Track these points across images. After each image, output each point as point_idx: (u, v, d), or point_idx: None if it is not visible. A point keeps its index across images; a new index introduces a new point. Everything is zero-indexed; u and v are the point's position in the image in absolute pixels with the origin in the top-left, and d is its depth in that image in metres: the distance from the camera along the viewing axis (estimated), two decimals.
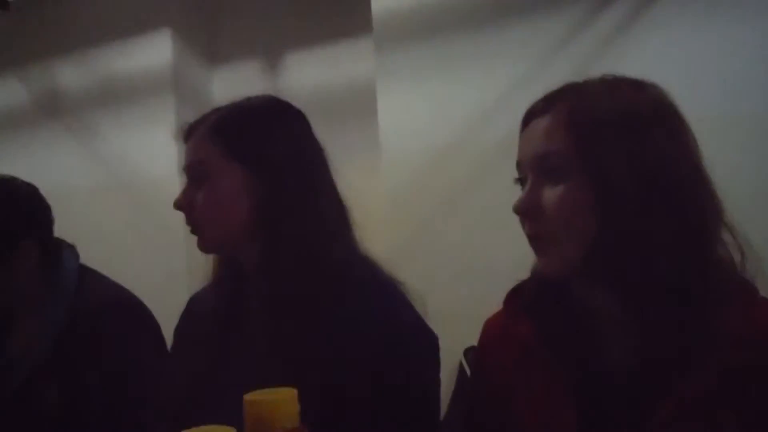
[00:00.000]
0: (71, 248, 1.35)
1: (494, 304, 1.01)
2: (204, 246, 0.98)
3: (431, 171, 2.57)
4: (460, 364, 2.40)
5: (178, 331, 1.10)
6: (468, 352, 2.43)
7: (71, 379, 1.18)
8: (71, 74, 3.69)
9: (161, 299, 1.38)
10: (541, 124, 0.77)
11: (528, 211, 0.76)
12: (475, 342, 2.47)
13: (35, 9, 3.79)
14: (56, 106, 3.76)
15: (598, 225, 0.72)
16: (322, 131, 1.03)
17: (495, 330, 0.90)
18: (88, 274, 1.32)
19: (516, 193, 0.86)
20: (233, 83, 3.39)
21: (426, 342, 0.92)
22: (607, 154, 0.72)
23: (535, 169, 0.77)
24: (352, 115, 2.99)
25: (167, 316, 1.35)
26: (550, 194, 0.74)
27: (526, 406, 0.79)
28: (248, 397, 0.55)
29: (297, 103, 1.05)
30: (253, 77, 3.34)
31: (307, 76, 3.18)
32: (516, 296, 0.87)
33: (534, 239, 0.78)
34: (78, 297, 1.26)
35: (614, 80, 0.79)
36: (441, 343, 0.96)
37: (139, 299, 1.32)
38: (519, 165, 0.81)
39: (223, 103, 1.02)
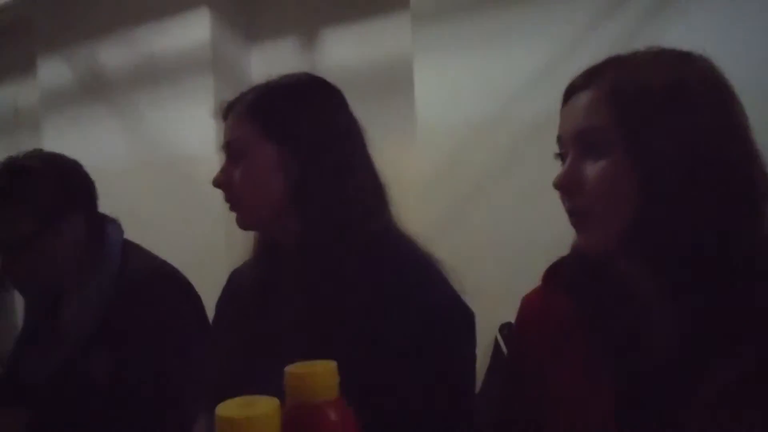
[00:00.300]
0: (115, 223, 1.38)
1: (531, 280, 1.00)
2: (242, 223, 1.00)
3: (469, 146, 2.54)
4: (495, 340, 2.40)
5: (219, 305, 1.12)
6: (503, 328, 2.43)
7: (118, 349, 1.23)
8: (113, 54, 3.75)
9: (200, 274, 1.41)
10: (583, 98, 0.75)
11: (568, 187, 0.75)
12: (510, 318, 2.45)
13: None
14: (99, 86, 3.84)
15: (640, 201, 0.71)
16: (358, 107, 1.02)
17: (533, 307, 0.89)
18: (131, 248, 1.36)
19: (556, 168, 0.84)
20: (270, 61, 3.40)
21: (462, 318, 0.92)
22: (652, 128, 0.70)
23: (576, 144, 0.75)
24: (388, 91, 2.97)
25: (206, 291, 1.39)
26: (592, 170, 0.73)
27: (563, 382, 0.79)
28: (289, 368, 0.56)
29: (334, 80, 1.04)
30: (290, 54, 3.34)
31: (343, 53, 3.16)
32: (555, 273, 0.86)
33: (574, 215, 0.76)
34: (123, 270, 1.30)
35: (660, 52, 0.76)
36: (477, 319, 0.96)
37: (181, 273, 1.35)
38: (560, 140, 0.79)
39: (260, 80, 1.02)
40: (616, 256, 0.76)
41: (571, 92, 0.78)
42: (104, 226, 1.35)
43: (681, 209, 0.69)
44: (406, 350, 0.85)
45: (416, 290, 0.89)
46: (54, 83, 4.07)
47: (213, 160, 3.23)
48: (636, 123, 0.70)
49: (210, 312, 1.35)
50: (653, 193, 0.69)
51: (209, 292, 1.39)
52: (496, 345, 2.39)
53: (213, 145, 3.21)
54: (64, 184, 1.30)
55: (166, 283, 1.31)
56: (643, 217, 0.70)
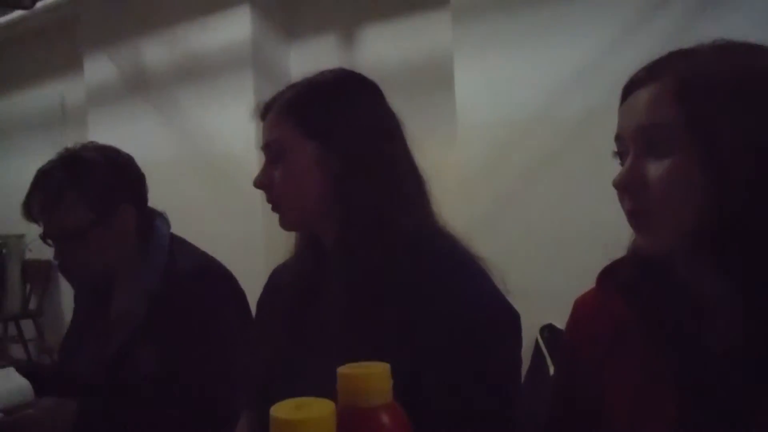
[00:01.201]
0: (163, 217, 1.41)
1: (573, 281, 0.97)
2: (285, 224, 0.99)
3: (510, 143, 2.51)
4: (536, 342, 2.36)
5: (261, 303, 1.12)
6: (544, 330, 2.39)
7: (164, 341, 1.24)
8: (156, 52, 3.83)
9: (238, 269, 1.42)
10: (645, 94, 0.72)
11: (630, 186, 0.72)
12: (551, 319, 2.43)
13: None
14: (142, 83, 3.92)
15: (708, 202, 0.67)
16: (398, 103, 1.01)
17: (587, 309, 0.86)
18: (178, 242, 1.38)
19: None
20: (310, 58, 3.42)
21: (507, 319, 0.90)
22: (722, 126, 0.66)
23: (637, 142, 0.72)
24: (428, 89, 2.96)
25: (244, 287, 1.40)
26: (655, 169, 0.70)
27: (620, 387, 0.76)
28: (342, 369, 0.55)
29: (373, 76, 1.03)
30: (330, 51, 3.35)
31: (383, 50, 3.16)
32: (611, 275, 0.83)
33: (635, 216, 0.73)
34: (169, 263, 1.32)
35: (728, 45, 0.73)
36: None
37: (226, 268, 1.36)
38: (619, 138, 0.76)
39: (298, 78, 1.02)
40: (679, 258, 0.73)
41: (630, 88, 0.75)
42: (153, 220, 1.37)
43: (752, 211, 0.66)
44: (450, 351, 0.84)
45: (461, 289, 0.87)
46: (100, 80, 4.17)
47: (252, 157, 3.29)
48: (705, 119, 0.67)
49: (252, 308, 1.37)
50: (723, 193, 0.66)
51: (247, 288, 1.41)
52: (537, 347, 2.35)
53: (253, 142, 3.25)
54: (118, 175, 1.32)
55: (212, 277, 1.32)
56: (711, 219, 0.67)
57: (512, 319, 0.90)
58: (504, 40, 2.51)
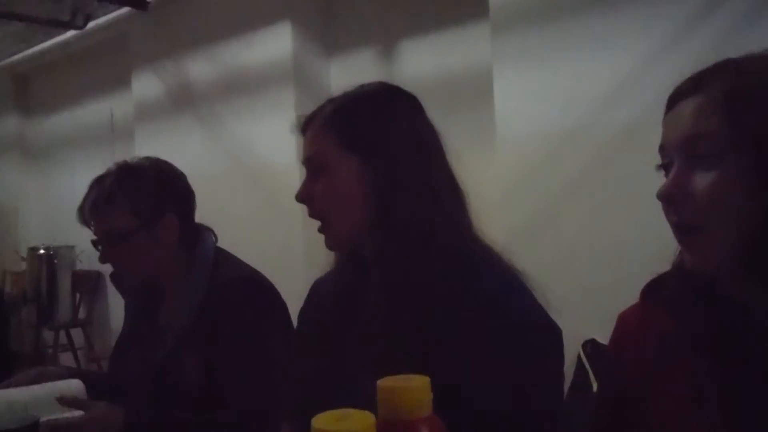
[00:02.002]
0: (210, 230, 1.46)
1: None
2: (332, 244, 0.98)
3: (549, 156, 2.48)
4: (578, 358, 2.32)
5: (302, 315, 1.13)
6: (586, 345, 2.34)
7: (209, 350, 1.28)
8: (200, 68, 3.93)
9: (279, 282, 1.44)
10: (691, 104, 0.70)
11: (675, 199, 0.70)
12: (593, 334, 2.37)
13: (169, 9, 4.07)
14: (187, 98, 4.02)
15: (758, 215, 0.65)
16: (437, 116, 1.01)
17: (632, 324, 0.84)
18: (223, 254, 1.42)
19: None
20: (350, 72, 3.45)
21: (550, 335, 0.88)
22: None
23: (682, 154, 0.70)
24: (467, 100, 2.95)
25: (284, 299, 1.41)
26: (702, 181, 0.68)
27: (666, 405, 0.74)
28: (382, 382, 0.55)
29: (412, 89, 1.04)
30: (370, 65, 3.38)
31: (422, 63, 3.17)
32: (655, 290, 0.81)
33: (681, 230, 0.71)
34: (214, 274, 1.36)
35: None
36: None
37: (269, 281, 1.39)
38: (663, 149, 0.74)
39: (338, 92, 1.02)
40: (728, 272, 0.71)
41: (676, 98, 0.73)
42: (199, 233, 1.42)
43: None
44: (492, 367, 0.83)
45: (503, 305, 0.86)
46: (147, 95, 4.30)
47: (293, 170, 3.33)
48: (754, 131, 0.65)
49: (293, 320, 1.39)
50: None
51: (287, 299, 1.43)
52: (579, 362, 2.31)
53: (294, 156, 3.30)
54: (165, 187, 1.38)
55: (255, 289, 1.35)
56: (764, 232, 0.65)
57: (555, 334, 0.88)
58: (544, 52, 2.49)
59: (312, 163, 0.97)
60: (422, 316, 0.86)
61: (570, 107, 2.44)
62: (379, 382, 0.55)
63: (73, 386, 1.30)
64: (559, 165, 2.47)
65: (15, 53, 5.17)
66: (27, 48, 5.04)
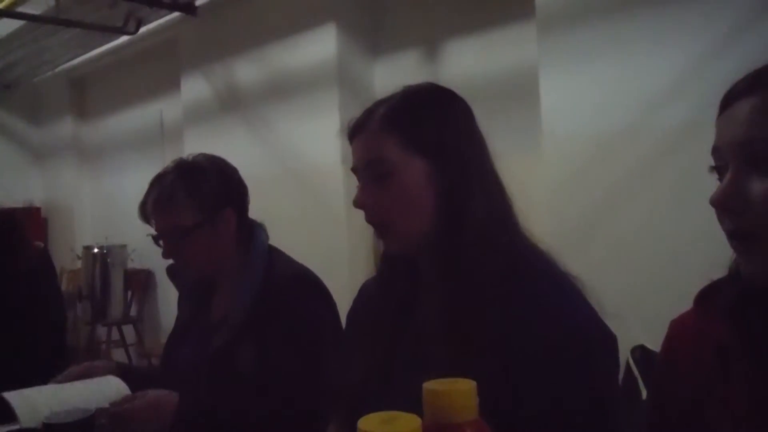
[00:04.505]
0: (263, 227, 1.49)
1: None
2: (394, 245, 0.96)
3: (598, 158, 2.44)
4: (627, 364, 2.26)
5: (351, 316, 1.12)
6: (636, 351, 2.29)
7: (261, 343, 1.31)
8: (247, 71, 3.99)
9: (325, 282, 1.45)
10: (747, 106, 0.67)
11: (730, 204, 0.67)
12: (642, 340, 2.31)
13: (218, 13, 4.16)
14: (234, 100, 4.10)
15: None
16: (482, 117, 1.01)
17: (685, 331, 0.82)
18: (276, 252, 1.46)
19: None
20: (394, 73, 3.46)
21: (605, 341, 0.86)
22: None
23: (738, 157, 0.67)
24: (512, 101, 2.92)
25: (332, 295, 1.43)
26: (758, 186, 0.65)
27: (725, 415, 0.72)
28: (428, 385, 0.55)
29: (457, 89, 1.03)
30: (414, 66, 3.38)
31: (467, 63, 3.15)
32: (710, 297, 0.78)
33: (737, 237, 0.68)
34: (268, 270, 1.39)
35: None
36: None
37: (320, 279, 1.42)
38: (716, 151, 0.71)
39: (384, 94, 1.01)
40: None
41: (731, 99, 0.70)
42: (253, 229, 1.46)
43: None
44: (546, 372, 0.81)
45: (558, 309, 0.85)
46: (195, 98, 4.40)
47: (337, 171, 3.34)
48: None
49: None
50: None
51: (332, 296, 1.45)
52: (628, 369, 2.26)
53: (338, 157, 3.32)
54: (224, 182, 1.42)
55: (308, 286, 1.38)
56: None
57: (610, 341, 0.86)
58: (592, 51, 2.44)
59: (373, 167, 0.94)
60: (476, 319, 0.85)
61: (619, 108, 2.38)
62: (424, 384, 0.55)
63: (112, 383, 1.34)
64: (608, 167, 2.42)
65: (72, 59, 5.36)
66: (83, 53, 5.22)
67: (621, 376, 2.23)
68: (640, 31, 2.33)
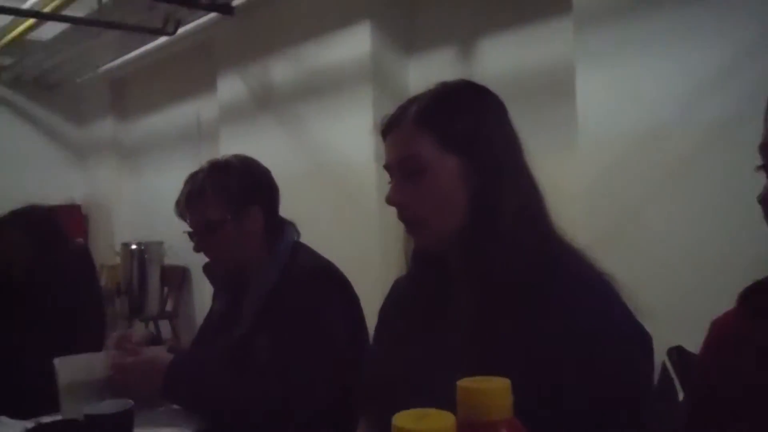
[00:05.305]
0: (293, 225, 1.54)
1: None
2: (425, 242, 0.96)
3: (635, 156, 2.39)
4: (663, 365, 2.22)
5: (382, 313, 1.13)
6: (672, 352, 2.24)
7: (275, 332, 1.35)
8: (282, 70, 4.03)
9: (356, 279, 1.47)
10: None
11: None
12: (679, 341, 2.27)
13: (253, 13, 4.20)
14: (269, 99, 4.14)
15: None
16: (516, 115, 1.00)
17: (727, 332, 0.80)
18: (301, 247, 1.51)
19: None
20: (429, 71, 3.45)
21: (641, 341, 0.85)
22: None
23: None
24: (548, 99, 2.89)
25: (361, 296, 1.46)
26: None
27: (765, 415, 0.70)
28: (462, 383, 0.55)
29: (491, 87, 1.02)
30: (449, 63, 3.37)
31: (502, 60, 3.13)
32: (754, 296, 0.77)
33: None
34: (289, 263, 1.44)
35: None
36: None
37: (339, 271, 1.46)
38: (763, 149, 0.70)
39: (418, 92, 1.01)
40: None
41: None
42: (282, 227, 1.51)
43: None
44: (580, 372, 0.80)
45: (591, 309, 0.84)
46: (231, 98, 4.46)
47: (371, 169, 3.35)
48: None
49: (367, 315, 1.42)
50: None
51: (363, 296, 1.47)
52: (664, 370, 2.21)
53: (372, 155, 3.33)
54: (252, 181, 1.48)
55: (324, 278, 1.42)
56: None
57: (646, 341, 0.85)
58: (630, 48, 2.40)
59: (406, 164, 0.94)
60: (510, 318, 0.84)
61: (657, 105, 2.34)
62: (459, 382, 0.55)
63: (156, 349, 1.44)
64: (645, 165, 2.37)
65: (113, 60, 5.49)
66: (123, 55, 5.33)
67: (657, 377, 2.19)
68: (679, 25, 2.28)
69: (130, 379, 1.32)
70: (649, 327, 0.88)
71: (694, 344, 0.87)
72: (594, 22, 2.51)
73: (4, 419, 1.48)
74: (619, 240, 2.40)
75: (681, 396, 2.09)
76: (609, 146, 2.45)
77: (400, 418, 0.51)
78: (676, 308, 2.11)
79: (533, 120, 2.58)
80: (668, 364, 2.22)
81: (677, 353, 2.22)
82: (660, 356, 2.36)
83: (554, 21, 2.91)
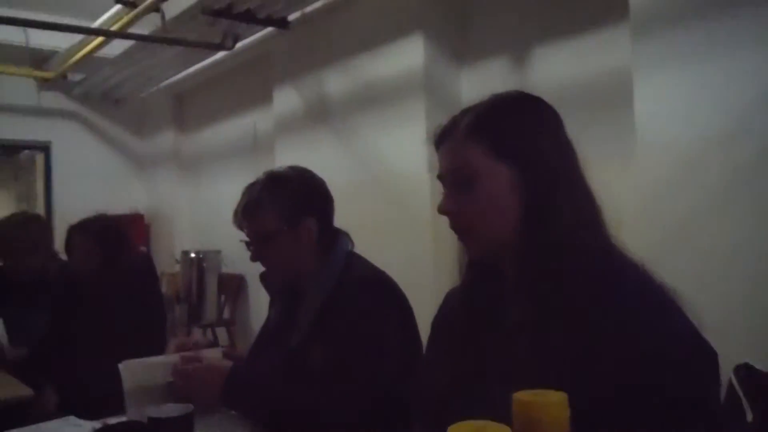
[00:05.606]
0: (347, 235, 1.56)
1: None
2: (475, 251, 0.97)
3: (695, 166, 2.31)
4: (730, 383, 2.13)
5: (435, 324, 1.13)
6: (740, 369, 2.14)
7: (329, 342, 1.37)
8: (336, 82, 4.09)
9: (408, 289, 1.47)
10: None
11: None
12: (747, 358, 2.18)
13: (308, 27, 4.28)
14: (323, 111, 4.20)
15: None
16: (572, 125, 0.99)
17: None
18: (355, 257, 1.52)
19: None
20: (481, 81, 3.44)
21: (706, 358, 0.82)
22: None
23: None
24: (603, 108, 2.83)
25: (413, 306, 1.46)
26: None
27: None
28: (519, 396, 0.54)
29: (546, 97, 1.02)
30: (501, 74, 3.35)
31: (556, 69, 3.09)
32: None
33: None
34: (343, 273, 1.46)
35: None
36: None
37: (393, 281, 1.47)
38: None
39: (471, 102, 1.01)
40: None
41: None
42: (337, 237, 1.53)
43: None
44: (642, 389, 0.78)
45: (652, 323, 0.82)
46: (286, 110, 4.55)
47: (424, 180, 3.35)
48: None
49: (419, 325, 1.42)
50: None
51: (416, 306, 1.47)
52: (731, 388, 2.12)
53: (424, 166, 3.33)
54: (307, 192, 1.51)
55: (378, 288, 1.43)
56: None
57: (711, 358, 0.82)
58: (689, 53, 2.33)
59: (458, 174, 0.95)
60: (567, 329, 0.83)
61: (718, 112, 2.26)
62: (514, 395, 0.54)
63: (212, 351, 1.51)
64: (706, 175, 2.29)
65: (174, 75, 5.69)
66: (184, 70, 5.52)
67: (723, 394, 2.10)
68: (740, 32, 2.20)
69: (191, 385, 1.36)
70: (714, 343, 0.85)
71: (762, 361, 0.83)
72: (652, 29, 2.45)
73: (73, 419, 1.55)
74: (679, 252, 2.32)
75: (749, 416, 2.01)
76: (668, 155, 2.38)
77: (456, 430, 0.51)
78: (742, 323, 2.02)
79: (590, 129, 2.53)
80: (735, 382, 2.13)
81: (745, 371, 2.12)
82: (727, 374, 2.27)
83: (609, 28, 2.85)
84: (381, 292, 1.43)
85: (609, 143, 2.64)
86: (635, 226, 2.32)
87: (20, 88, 5.76)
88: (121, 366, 1.40)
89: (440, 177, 0.99)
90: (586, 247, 0.87)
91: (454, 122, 0.98)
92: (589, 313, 0.83)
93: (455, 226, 0.97)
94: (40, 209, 6.10)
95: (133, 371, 1.39)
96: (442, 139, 0.99)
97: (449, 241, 1.03)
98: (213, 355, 1.50)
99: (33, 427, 1.53)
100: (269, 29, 4.49)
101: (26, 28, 4.72)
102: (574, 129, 0.98)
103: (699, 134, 2.30)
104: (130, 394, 1.37)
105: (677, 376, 0.79)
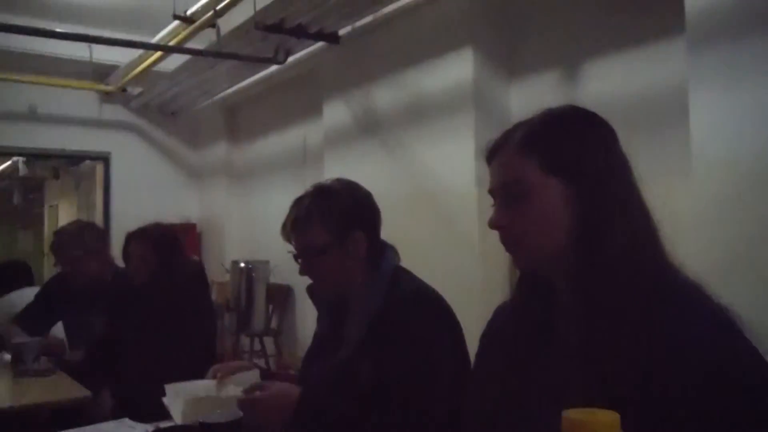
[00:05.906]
0: (394, 249, 1.55)
1: None
2: (523, 264, 0.97)
3: (754, 182, 2.24)
4: None
5: (484, 340, 1.12)
6: None
7: (378, 356, 1.36)
8: (385, 96, 4.12)
9: (455, 303, 1.47)
10: None
11: None
12: None
13: (358, 42, 4.34)
14: (372, 125, 4.24)
15: None
16: (627, 140, 0.97)
17: None
18: (403, 272, 1.52)
19: None
20: (531, 95, 3.41)
21: (766, 380, 0.79)
22: None
23: None
24: (657, 123, 2.77)
25: (460, 320, 1.45)
26: None
27: None
28: (568, 414, 0.54)
29: (597, 111, 1.01)
30: (551, 88, 3.31)
31: (608, 83, 3.04)
32: None
33: None
34: (391, 288, 1.45)
35: None
36: None
37: (441, 297, 1.46)
38: None
39: (520, 117, 1.01)
40: None
41: None
42: (384, 250, 1.53)
43: None
44: (701, 415, 0.76)
45: (714, 345, 0.79)
46: (336, 123, 4.61)
47: (472, 194, 3.33)
48: None
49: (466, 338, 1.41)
50: None
51: (463, 321, 1.45)
52: None
53: (473, 180, 3.32)
54: (354, 206, 1.50)
55: (426, 304, 1.43)
56: None
57: None
58: (747, 66, 2.26)
59: (510, 188, 0.95)
60: (622, 349, 0.81)
61: None
62: (564, 413, 0.54)
63: (250, 374, 1.51)
64: (765, 192, 2.21)
65: (227, 88, 5.84)
66: (236, 83, 5.66)
67: None
68: None
69: (260, 413, 1.32)
70: None
71: None
72: (709, 41, 2.39)
73: (128, 421, 1.60)
74: (738, 271, 2.24)
75: None
76: (725, 170, 2.31)
77: None
78: None
79: (645, 145, 2.47)
80: None
81: None
82: None
83: (664, 41, 2.80)
84: (430, 308, 1.42)
85: (663, 159, 2.58)
86: (694, 245, 2.26)
87: (83, 100, 6.02)
88: (167, 388, 1.43)
89: (491, 191, 0.99)
90: (641, 266, 0.86)
91: (507, 136, 0.98)
92: (644, 335, 0.81)
93: (506, 240, 0.96)
94: (99, 217, 6.32)
95: (178, 393, 1.42)
96: (494, 153, 0.99)
97: (497, 256, 1.02)
98: (251, 378, 1.50)
99: (89, 427, 1.58)
100: (320, 44, 4.57)
101: (90, 44, 4.93)
102: (629, 144, 0.97)
103: (758, 150, 2.23)
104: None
105: (740, 398, 0.77)
